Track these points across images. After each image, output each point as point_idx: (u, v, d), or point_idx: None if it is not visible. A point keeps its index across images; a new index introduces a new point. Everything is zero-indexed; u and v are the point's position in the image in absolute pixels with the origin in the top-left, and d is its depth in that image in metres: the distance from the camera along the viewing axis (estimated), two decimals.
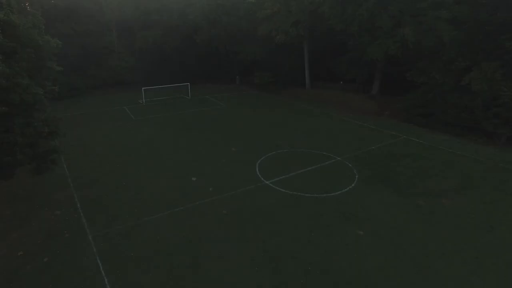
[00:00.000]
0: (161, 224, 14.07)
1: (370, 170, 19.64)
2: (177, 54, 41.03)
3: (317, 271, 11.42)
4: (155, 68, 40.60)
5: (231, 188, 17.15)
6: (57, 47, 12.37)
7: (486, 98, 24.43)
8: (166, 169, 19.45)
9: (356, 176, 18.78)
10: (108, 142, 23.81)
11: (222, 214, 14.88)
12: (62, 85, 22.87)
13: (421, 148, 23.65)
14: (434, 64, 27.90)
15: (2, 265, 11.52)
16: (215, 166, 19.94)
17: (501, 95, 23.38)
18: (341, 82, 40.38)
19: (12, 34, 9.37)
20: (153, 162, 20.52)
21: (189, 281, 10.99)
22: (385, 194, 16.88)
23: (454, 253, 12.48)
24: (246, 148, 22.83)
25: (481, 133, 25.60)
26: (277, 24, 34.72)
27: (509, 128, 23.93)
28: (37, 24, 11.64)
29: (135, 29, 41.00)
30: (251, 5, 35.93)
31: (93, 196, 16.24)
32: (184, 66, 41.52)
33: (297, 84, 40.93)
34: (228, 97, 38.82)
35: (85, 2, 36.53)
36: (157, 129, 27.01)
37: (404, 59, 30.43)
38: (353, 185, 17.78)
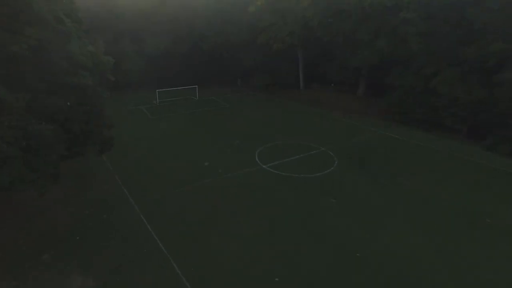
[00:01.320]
0: (183, 194, 18.84)
1: (348, 158, 24.41)
2: (185, 59, 45.70)
3: (299, 224, 16.23)
4: (165, 72, 45.23)
5: (235, 170, 21.93)
6: (113, 64, 17.04)
7: (447, 99, 29.20)
8: (183, 156, 24.23)
9: (336, 162, 23.58)
10: (133, 135, 28.48)
11: (230, 188, 19.68)
12: None
13: (394, 141, 28.47)
14: (407, 70, 32.69)
15: (75, 220, 16.27)
16: (223, 154, 24.71)
17: (458, 97, 28.15)
18: (332, 84, 45.09)
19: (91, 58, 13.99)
20: (172, 151, 25.32)
21: (209, 228, 15.77)
22: (356, 175, 21.64)
23: (399, 215, 17.30)
24: (247, 141, 27.56)
25: (445, 128, 30.39)
26: (274, 34, 39.40)
27: (465, 125, 28.78)
28: (101, 48, 16.34)
29: (146, 36, 45.55)
30: (252, 16, 40.54)
31: (129, 175, 20.98)
32: (191, 70, 46.18)
33: (292, 86, 45.69)
34: (231, 98, 43.53)
35: (103, 14, 41.13)
36: (171, 125, 31.78)
37: (383, 65, 35.20)
38: (332, 168, 22.58)
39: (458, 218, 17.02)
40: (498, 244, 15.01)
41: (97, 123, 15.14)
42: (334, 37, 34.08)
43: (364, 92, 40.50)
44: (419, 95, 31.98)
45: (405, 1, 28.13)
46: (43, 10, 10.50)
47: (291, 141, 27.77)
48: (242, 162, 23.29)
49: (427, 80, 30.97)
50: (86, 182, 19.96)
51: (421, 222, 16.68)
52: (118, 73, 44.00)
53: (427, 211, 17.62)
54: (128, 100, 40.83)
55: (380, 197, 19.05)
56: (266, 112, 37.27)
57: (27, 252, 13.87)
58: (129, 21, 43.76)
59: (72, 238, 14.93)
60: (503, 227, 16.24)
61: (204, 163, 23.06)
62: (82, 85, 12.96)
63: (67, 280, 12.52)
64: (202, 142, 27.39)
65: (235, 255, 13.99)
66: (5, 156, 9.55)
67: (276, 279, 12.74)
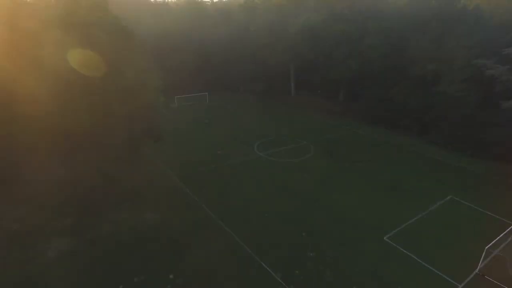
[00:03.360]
0: (204, 172, 27.87)
1: (322, 148, 33.43)
2: (197, 70, 54.79)
3: (282, 187, 25.29)
4: (181, 81, 54.29)
5: (239, 157, 30.97)
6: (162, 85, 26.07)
7: (402, 105, 38.19)
8: (201, 147, 33.28)
9: (312, 152, 32.62)
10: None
11: (236, 168, 28.76)
12: None
13: (362, 137, 37.47)
14: (374, 82, 41.74)
15: (137, 186, 25.29)
16: (229, 145, 33.75)
17: (410, 104, 37.12)
18: (319, 91, 54.05)
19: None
20: (192, 143, 34.40)
21: (224, 189, 24.84)
22: (325, 160, 30.65)
23: (349, 183, 26.33)
24: (247, 136, 36.55)
25: (401, 127, 39.34)
26: (271, 51, 48.35)
27: (415, 125, 37.79)
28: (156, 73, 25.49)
29: (166, 52, 54.67)
30: (253, 35, 49.65)
31: (165, 159, 30.00)
32: (202, 79, 55.28)
33: (285, 92, 54.79)
34: (234, 102, 52.59)
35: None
36: (189, 124, 40.80)
37: (357, 78, 44.24)
38: (308, 156, 31.64)
39: (387, 186, 25.99)
40: (406, 201, 23.97)
41: (155, 122, 24.22)
42: (317, 56, 43.17)
43: (344, 98, 49.46)
44: (382, 101, 41.01)
45: (368, 31, 37.18)
46: (134, 60, 19.53)
47: (281, 136, 36.80)
48: (244, 151, 32.35)
49: (387, 90, 40.02)
50: (136, 163, 28.98)
51: (363, 188, 25.70)
52: None
53: (369, 182, 26.63)
54: None
55: (339, 173, 28.11)
56: (263, 113, 46.27)
57: (114, 201, 22.87)
58: (151, 40, 52.92)
59: (139, 195, 24.00)
60: (413, 191, 25.25)
61: (217, 151, 32.16)
62: (149, 101, 21.94)
63: (143, 215, 21.59)
64: (213, 137, 36.44)
65: (241, 202, 23.14)
66: (121, 141, 18.50)
67: (266, 214, 21.84)
